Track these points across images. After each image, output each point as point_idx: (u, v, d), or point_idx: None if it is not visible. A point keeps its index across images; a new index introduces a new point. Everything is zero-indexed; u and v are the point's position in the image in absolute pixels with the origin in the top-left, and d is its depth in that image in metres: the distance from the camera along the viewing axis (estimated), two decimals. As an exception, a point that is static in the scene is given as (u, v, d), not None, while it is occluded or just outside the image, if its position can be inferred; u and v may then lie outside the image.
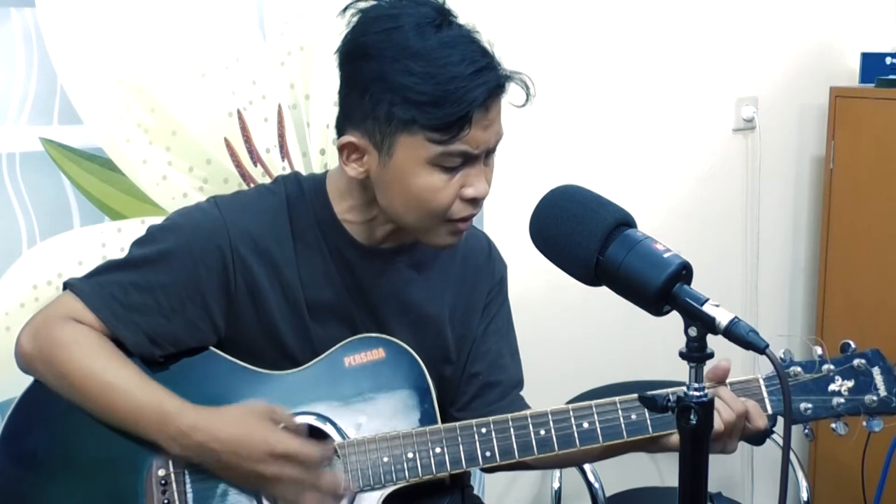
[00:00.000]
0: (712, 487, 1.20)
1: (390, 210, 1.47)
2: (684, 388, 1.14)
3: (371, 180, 1.46)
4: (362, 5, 1.43)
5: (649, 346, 2.45)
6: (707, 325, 1.11)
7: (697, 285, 1.14)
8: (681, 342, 1.14)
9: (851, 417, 1.54)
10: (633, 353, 2.63)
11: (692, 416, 1.13)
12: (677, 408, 1.14)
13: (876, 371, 1.53)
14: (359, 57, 1.41)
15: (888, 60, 2.88)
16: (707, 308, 1.11)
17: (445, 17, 1.41)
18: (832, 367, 1.54)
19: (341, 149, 1.46)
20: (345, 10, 1.44)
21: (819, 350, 1.56)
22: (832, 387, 1.53)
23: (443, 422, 1.53)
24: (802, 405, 1.53)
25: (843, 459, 2.81)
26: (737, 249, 2.97)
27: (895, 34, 3.09)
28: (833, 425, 1.54)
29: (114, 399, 1.43)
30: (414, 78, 1.36)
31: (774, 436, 2.43)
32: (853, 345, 1.56)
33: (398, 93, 1.36)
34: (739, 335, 1.09)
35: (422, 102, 1.36)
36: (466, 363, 1.66)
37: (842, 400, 1.52)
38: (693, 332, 1.12)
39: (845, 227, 2.92)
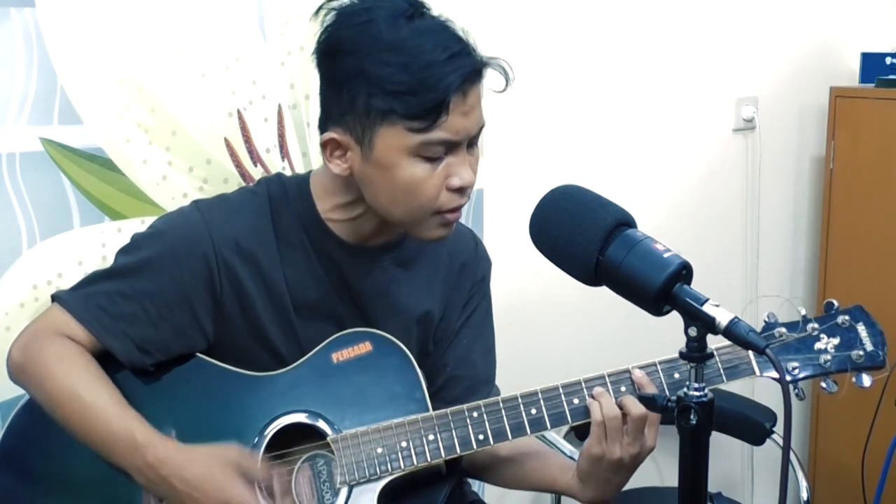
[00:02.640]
0: (712, 487, 1.20)
1: (377, 206, 1.47)
2: (685, 389, 1.14)
3: (355, 177, 1.46)
4: (335, 4, 1.43)
5: (649, 347, 2.45)
6: (707, 325, 1.11)
7: (697, 285, 1.14)
8: (681, 342, 1.14)
9: (840, 375, 1.53)
10: (633, 354, 2.62)
11: (692, 416, 1.13)
12: (677, 408, 1.14)
13: (861, 327, 1.54)
14: (334, 53, 1.42)
15: (888, 60, 2.88)
16: (707, 308, 1.11)
17: (417, 8, 1.42)
18: (817, 325, 1.54)
19: (324, 146, 1.46)
20: (317, 11, 1.44)
21: (803, 310, 1.55)
22: (818, 345, 1.53)
23: None
24: (790, 364, 1.52)
25: (843, 459, 2.81)
26: (737, 249, 2.97)
27: (895, 34, 3.09)
28: (823, 384, 1.53)
29: (90, 421, 1.42)
30: (389, 68, 1.36)
31: (774, 435, 2.44)
32: (836, 303, 1.56)
33: (375, 84, 1.37)
34: (739, 335, 1.09)
35: (399, 92, 1.36)
36: (443, 355, 1.66)
37: (829, 357, 1.52)
38: (693, 332, 1.13)
39: (845, 227, 2.92)
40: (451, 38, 1.40)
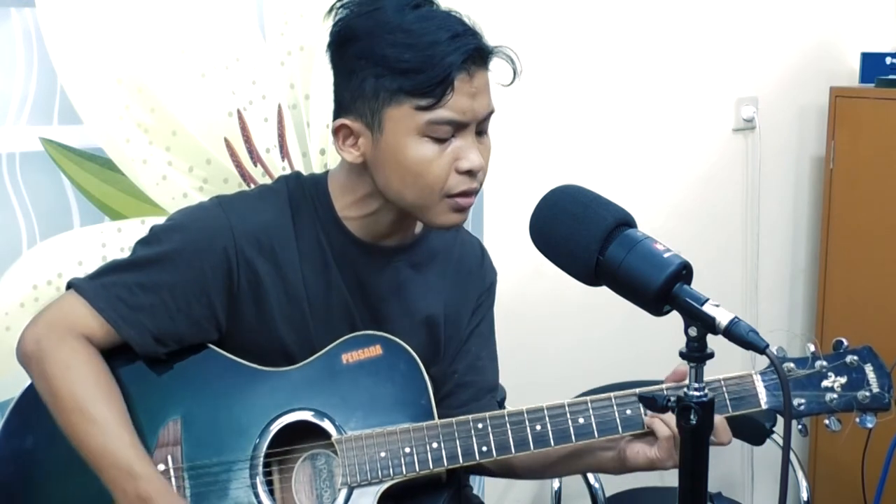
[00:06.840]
0: (712, 487, 1.20)
1: (388, 191, 1.47)
2: (684, 388, 1.14)
3: (367, 164, 1.47)
4: (344, 1, 1.47)
5: (649, 347, 2.45)
6: (707, 325, 1.11)
7: (697, 285, 1.14)
8: (681, 342, 1.14)
9: (844, 414, 1.55)
10: (634, 354, 2.63)
11: (692, 416, 1.13)
12: (677, 408, 1.14)
13: (868, 368, 1.55)
14: (344, 42, 1.45)
15: (888, 60, 2.89)
16: (707, 308, 1.11)
17: None
18: (825, 363, 1.55)
19: (336, 133, 1.48)
20: (330, 10, 1.48)
21: (812, 347, 1.57)
22: (825, 383, 1.54)
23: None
24: (796, 401, 1.54)
25: (843, 459, 2.81)
26: (737, 249, 2.97)
27: (895, 34, 3.10)
28: (826, 421, 1.55)
29: (90, 436, 1.41)
30: (396, 49, 1.40)
31: (774, 435, 2.44)
32: (846, 342, 1.57)
33: (382, 65, 1.40)
34: (739, 335, 1.09)
35: (405, 70, 1.39)
36: (452, 362, 1.67)
37: (835, 396, 1.54)
38: (693, 332, 1.13)
39: (845, 227, 2.92)
40: (455, 22, 1.44)
